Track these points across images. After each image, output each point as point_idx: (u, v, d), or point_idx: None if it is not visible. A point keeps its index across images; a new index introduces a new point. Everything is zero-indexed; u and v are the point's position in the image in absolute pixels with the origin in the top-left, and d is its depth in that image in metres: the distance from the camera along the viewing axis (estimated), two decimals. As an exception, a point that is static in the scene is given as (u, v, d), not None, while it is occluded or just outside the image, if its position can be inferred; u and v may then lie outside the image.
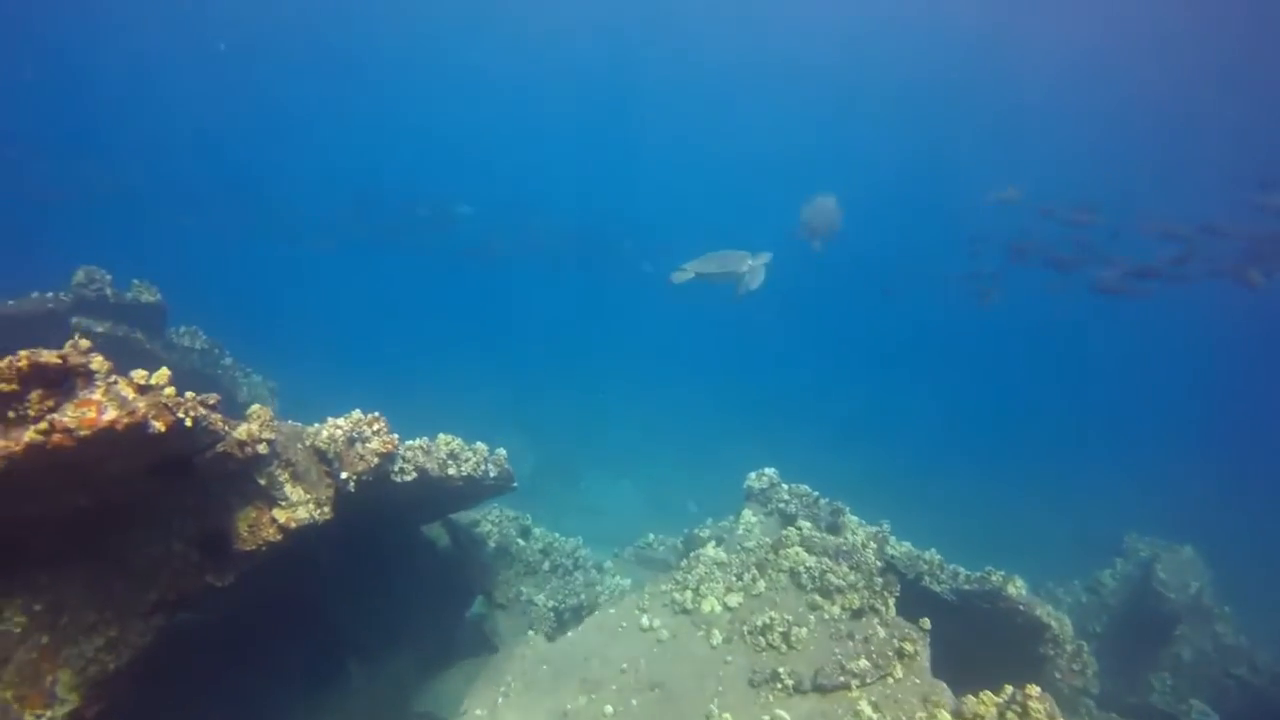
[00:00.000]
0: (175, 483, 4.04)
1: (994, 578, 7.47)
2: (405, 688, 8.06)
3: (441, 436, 7.02)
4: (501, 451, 7.78)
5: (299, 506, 4.52)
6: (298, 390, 15.67)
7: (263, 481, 4.43)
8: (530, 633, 7.45)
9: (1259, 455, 28.49)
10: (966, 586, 7.60)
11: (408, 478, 6.27)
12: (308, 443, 5.03)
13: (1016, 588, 7.39)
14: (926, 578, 7.81)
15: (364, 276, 43.39)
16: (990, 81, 40.04)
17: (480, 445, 7.44)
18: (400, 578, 8.44)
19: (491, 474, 7.46)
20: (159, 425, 3.45)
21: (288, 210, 36.32)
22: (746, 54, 44.82)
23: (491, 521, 9.73)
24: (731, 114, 51.23)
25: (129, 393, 3.43)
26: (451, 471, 6.82)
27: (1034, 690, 4.23)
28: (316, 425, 5.30)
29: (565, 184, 50.18)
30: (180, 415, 3.59)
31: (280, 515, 4.42)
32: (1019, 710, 4.26)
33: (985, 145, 42.67)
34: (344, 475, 5.18)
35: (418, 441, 6.75)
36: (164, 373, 3.66)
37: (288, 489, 4.54)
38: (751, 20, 41.75)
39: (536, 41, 46.00)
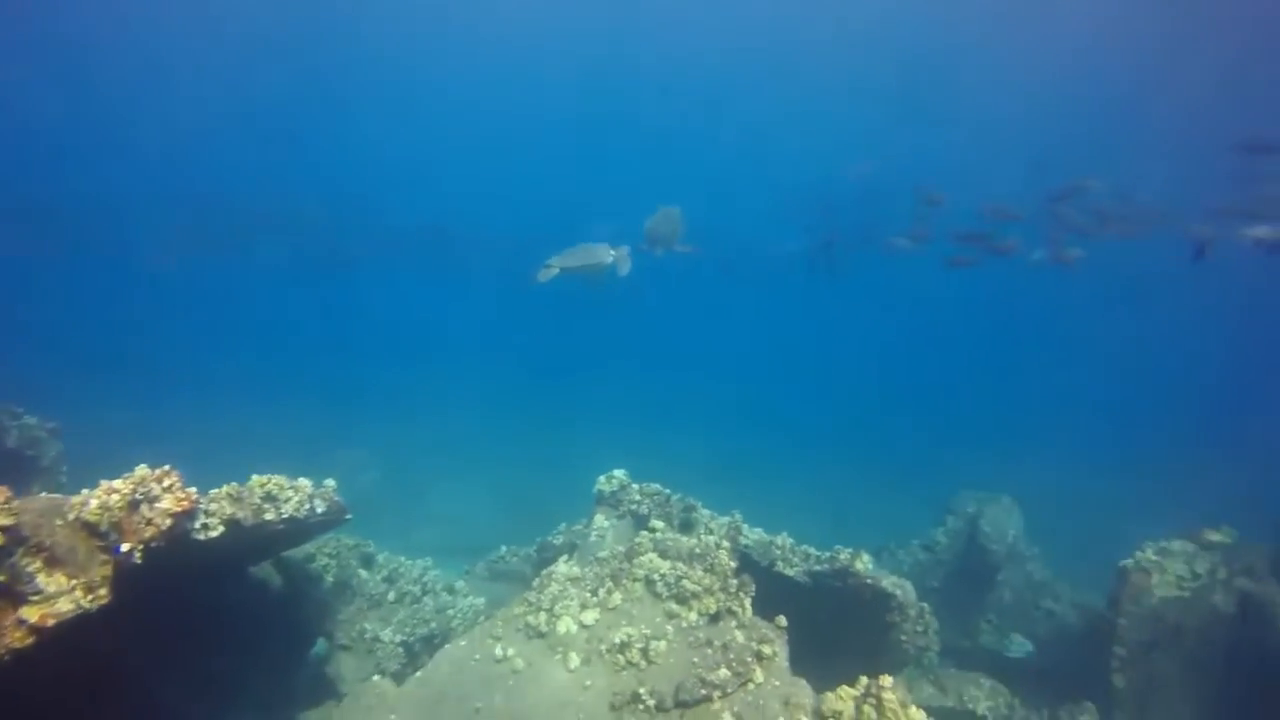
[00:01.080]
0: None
1: (842, 556, 7.74)
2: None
3: (255, 478, 6.24)
4: (330, 483, 7.10)
5: (59, 599, 3.76)
6: (94, 426, 13.81)
7: (2, 577, 3.63)
8: (375, 678, 6.87)
9: (1060, 410, 32.06)
10: (817, 567, 7.84)
11: (214, 533, 5.50)
12: (71, 516, 4.21)
13: (863, 563, 7.70)
14: (780, 562, 7.99)
15: (171, 289, 38.93)
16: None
17: (303, 481, 6.72)
18: (229, 632, 7.54)
19: (320, 510, 6.77)
20: None
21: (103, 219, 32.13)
22: (595, 39, 44.30)
23: (328, 554, 8.94)
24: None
25: None
26: (270, 516, 6.08)
27: (886, 681, 4.32)
28: (85, 493, 4.46)
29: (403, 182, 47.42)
30: None
31: (31, 614, 3.64)
32: (874, 702, 4.33)
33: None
34: (125, 547, 4.40)
35: (225, 489, 5.96)
36: None
37: (41, 579, 3.76)
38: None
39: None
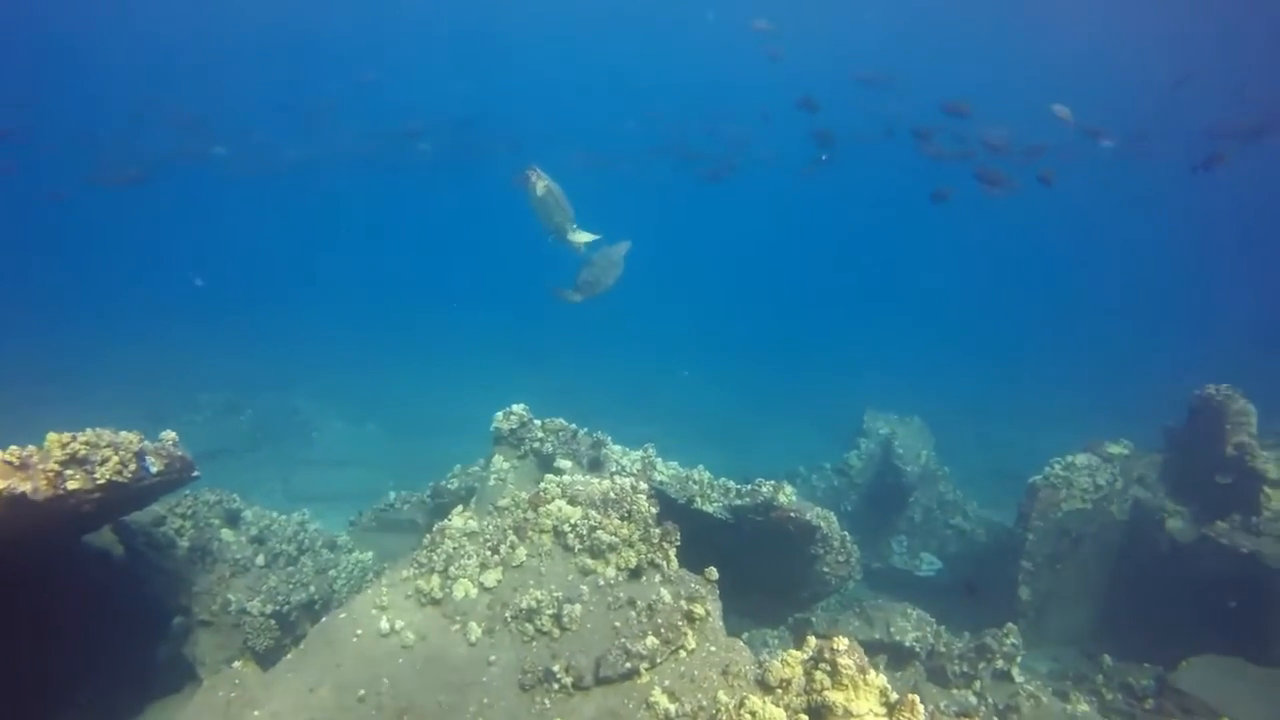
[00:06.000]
0: None
1: (764, 489, 7.19)
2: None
3: (53, 437, 4.93)
4: (169, 435, 5.90)
5: None
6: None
7: None
8: (236, 663, 5.85)
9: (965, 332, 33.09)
10: (739, 502, 7.27)
11: (-15, 512, 4.23)
12: None
13: (786, 495, 7.19)
14: (698, 499, 7.37)
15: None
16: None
17: (129, 435, 5.44)
18: (58, 622, 6.28)
19: (153, 470, 5.54)
20: None
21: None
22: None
23: (181, 515, 7.65)
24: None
25: None
26: (75, 485, 4.82)
27: (841, 643, 3.71)
28: None
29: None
30: None
31: None
32: (828, 667, 3.72)
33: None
34: None
35: (8, 451, 4.64)
36: None
37: None
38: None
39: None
